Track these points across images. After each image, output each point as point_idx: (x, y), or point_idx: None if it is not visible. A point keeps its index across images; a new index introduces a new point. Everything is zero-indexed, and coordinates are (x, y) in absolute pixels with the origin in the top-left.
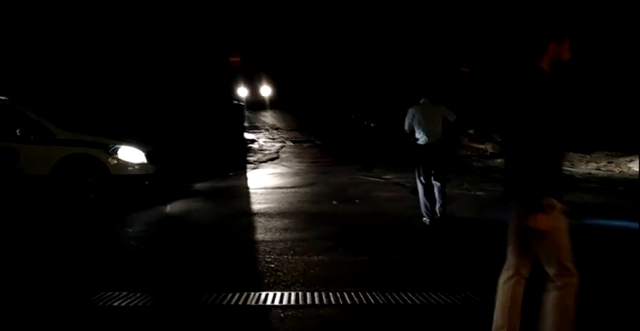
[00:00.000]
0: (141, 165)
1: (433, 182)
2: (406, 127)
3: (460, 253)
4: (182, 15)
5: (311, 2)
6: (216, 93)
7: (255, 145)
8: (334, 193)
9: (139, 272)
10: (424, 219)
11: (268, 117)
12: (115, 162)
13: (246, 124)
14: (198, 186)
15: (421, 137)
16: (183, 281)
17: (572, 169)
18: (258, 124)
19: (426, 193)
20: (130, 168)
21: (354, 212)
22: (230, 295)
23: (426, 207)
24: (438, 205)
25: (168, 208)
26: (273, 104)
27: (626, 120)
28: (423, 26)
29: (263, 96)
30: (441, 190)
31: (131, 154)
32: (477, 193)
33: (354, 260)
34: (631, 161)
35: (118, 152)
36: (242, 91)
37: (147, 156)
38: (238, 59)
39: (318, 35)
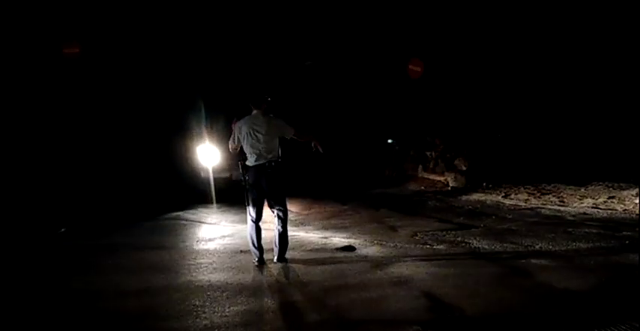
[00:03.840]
0: None
1: (276, 212)
2: (231, 144)
3: None
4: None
5: None
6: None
7: None
8: None
9: None
10: (254, 260)
11: None
12: None
13: None
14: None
15: (250, 157)
16: None
17: (561, 208)
18: None
19: (255, 229)
20: None
21: None
22: None
23: (254, 245)
24: (276, 248)
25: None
26: None
27: (628, 144)
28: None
29: None
30: (284, 225)
31: None
32: (436, 247)
33: None
34: (638, 195)
35: None
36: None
37: None
38: (76, 50)
39: None
